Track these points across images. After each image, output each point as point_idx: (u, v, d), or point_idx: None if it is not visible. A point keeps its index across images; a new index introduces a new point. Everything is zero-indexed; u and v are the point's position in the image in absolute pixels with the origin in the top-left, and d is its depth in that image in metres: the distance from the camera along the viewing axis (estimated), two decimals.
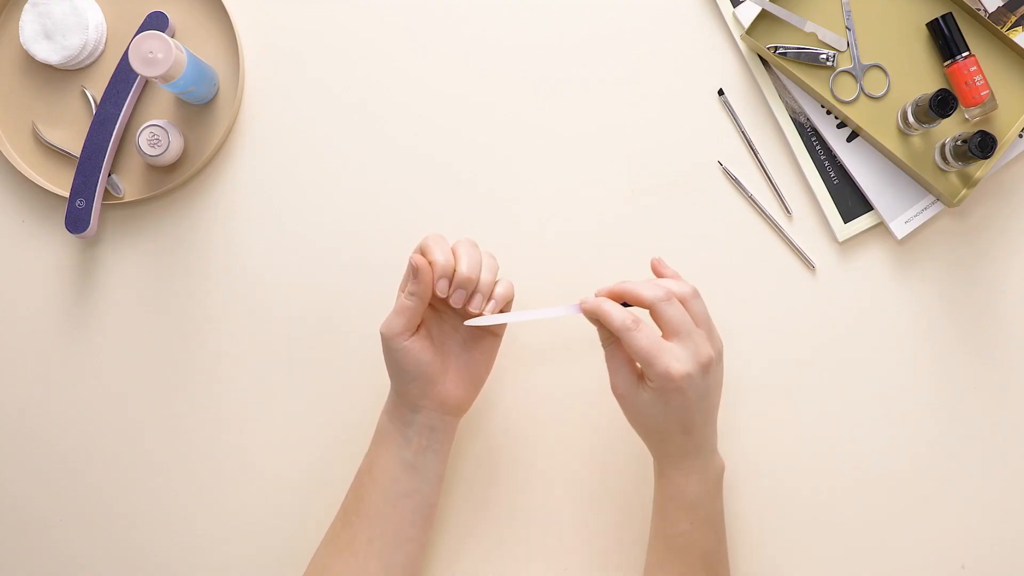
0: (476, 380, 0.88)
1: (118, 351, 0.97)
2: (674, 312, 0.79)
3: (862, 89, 0.93)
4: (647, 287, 0.80)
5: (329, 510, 0.93)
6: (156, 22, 0.95)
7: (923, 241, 0.95)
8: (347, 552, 0.86)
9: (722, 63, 0.96)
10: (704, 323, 0.81)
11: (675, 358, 0.78)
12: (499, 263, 0.86)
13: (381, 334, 0.83)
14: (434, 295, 0.83)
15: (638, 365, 0.80)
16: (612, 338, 0.81)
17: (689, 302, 0.81)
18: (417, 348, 0.83)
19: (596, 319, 0.81)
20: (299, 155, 0.97)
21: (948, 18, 0.91)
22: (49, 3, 0.95)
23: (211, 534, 0.96)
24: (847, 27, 0.93)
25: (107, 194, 0.97)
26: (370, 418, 0.95)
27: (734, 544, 0.93)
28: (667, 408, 0.79)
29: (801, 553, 0.93)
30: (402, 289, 0.84)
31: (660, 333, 0.80)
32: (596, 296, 0.82)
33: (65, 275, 0.98)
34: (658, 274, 0.85)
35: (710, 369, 0.80)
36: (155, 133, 0.93)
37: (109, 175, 0.96)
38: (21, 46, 0.97)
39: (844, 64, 0.93)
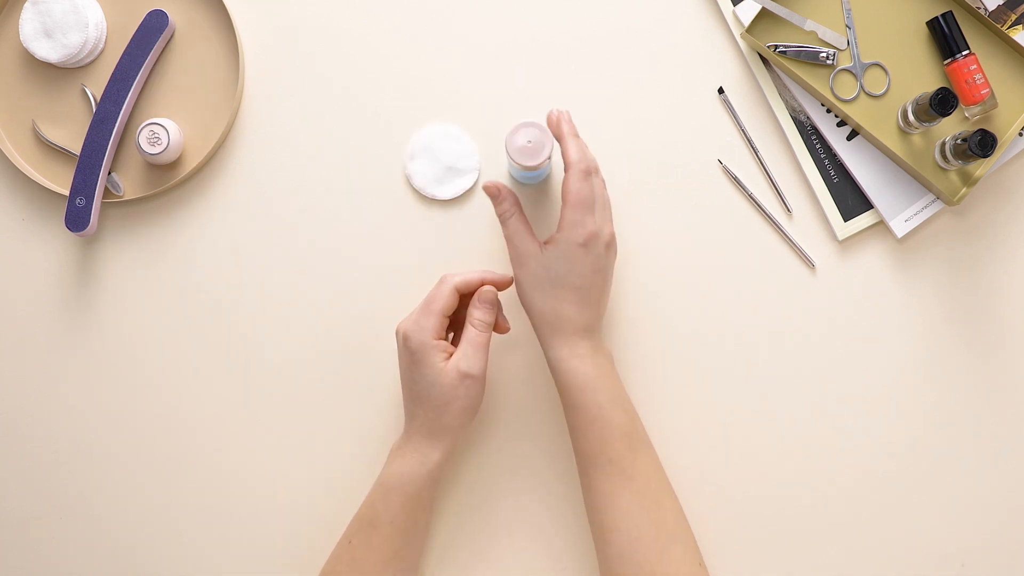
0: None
1: (117, 349, 0.97)
2: (598, 186, 0.85)
3: (862, 88, 0.93)
4: (581, 149, 0.84)
5: (330, 511, 0.93)
6: (156, 21, 0.95)
7: (923, 240, 0.95)
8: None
9: (722, 61, 0.96)
10: (610, 211, 0.86)
11: (593, 219, 0.83)
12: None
13: (473, 376, 0.84)
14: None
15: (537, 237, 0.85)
16: (513, 211, 0.85)
17: (603, 187, 0.86)
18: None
19: (559, 139, 0.85)
20: (299, 153, 0.97)
21: (948, 16, 0.91)
22: (49, 1, 0.95)
23: (209, 537, 0.96)
24: (847, 25, 0.93)
25: (107, 192, 0.97)
26: (371, 417, 0.95)
27: (734, 541, 0.93)
28: (569, 267, 0.83)
29: (801, 553, 0.93)
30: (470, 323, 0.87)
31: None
32: (560, 122, 0.86)
33: (65, 273, 0.98)
34: (558, 128, 0.86)
35: (611, 247, 0.86)
36: (155, 131, 0.93)
37: (109, 173, 0.96)
38: (21, 44, 0.97)
39: (844, 63, 0.93)
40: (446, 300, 0.86)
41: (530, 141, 0.84)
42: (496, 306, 0.88)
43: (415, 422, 0.86)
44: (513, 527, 0.94)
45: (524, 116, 0.96)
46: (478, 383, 0.85)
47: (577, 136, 0.85)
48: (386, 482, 0.86)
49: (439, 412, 0.85)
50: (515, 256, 0.85)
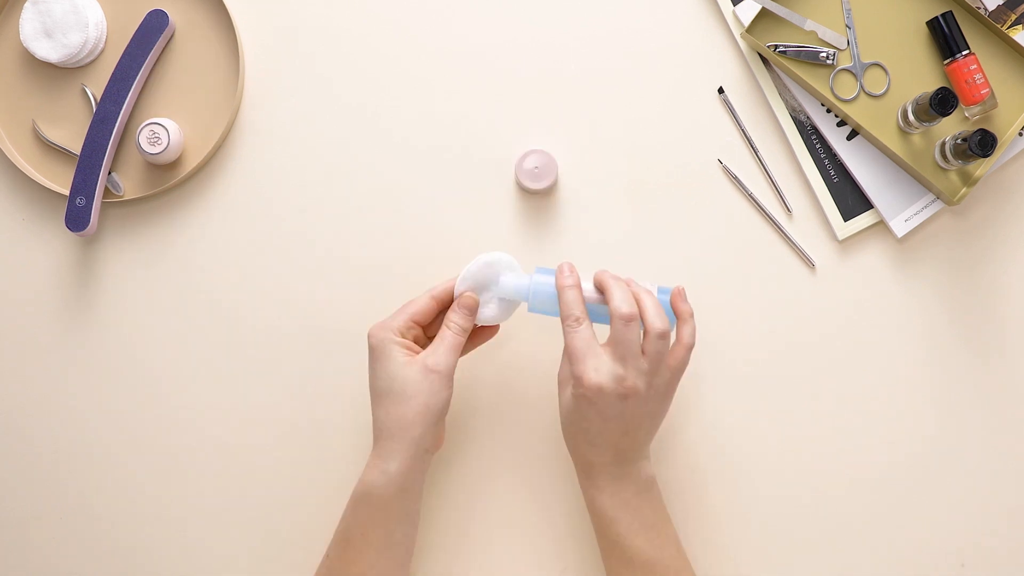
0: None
1: (118, 349, 0.97)
2: (628, 335, 0.80)
3: (862, 87, 0.93)
4: (622, 296, 0.81)
5: (329, 511, 0.93)
6: (156, 21, 0.95)
7: (923, 239, 0.95)
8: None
9: (722, 61, 0.96)
10: (654, 362, 0.81)
11: (595, 368, 0.79)
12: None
13: (439, 372, 0.83)
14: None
15: None
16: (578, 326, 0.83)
17: (654, 339, 0.81)
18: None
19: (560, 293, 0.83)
20: (299, 153, 0.97)
21: (948, 16, 0.91)
22: (49, 1, 0.95)
23: (209, 537, 0.96)
24: (847, 25, 0.93)
25: (107, 192, 0.97)
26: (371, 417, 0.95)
27: (734, 541, 0.93)
28: (578, 413, 0.81)
29: (801, 552, 0.93)
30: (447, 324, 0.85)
31: (604, 341, 0.81)
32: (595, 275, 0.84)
33: (65, 273, 0.98)
34: (675, 304, 0.84)
35: (628, 398, 0.80)
36: (155, 131, 0.93)
37: (109, 173, 0.96)
38: (21, 44, 0.97)
39: (844, 62, 0.93)
40: (419, 304, 0.86)
41: (536, 167, 0.91)
42: (475, 313, 0.86)
43: (376, 425, 0.85)
44: (507, 531, 0.94)
45: (526, 115, 0.96)
46: (443, 380, 0.83)
47: (569, 288, 0.83)
48: (354, 493, 0.85)
49: (397, 407, 0.82)
50: (559, 382, 0.85)
